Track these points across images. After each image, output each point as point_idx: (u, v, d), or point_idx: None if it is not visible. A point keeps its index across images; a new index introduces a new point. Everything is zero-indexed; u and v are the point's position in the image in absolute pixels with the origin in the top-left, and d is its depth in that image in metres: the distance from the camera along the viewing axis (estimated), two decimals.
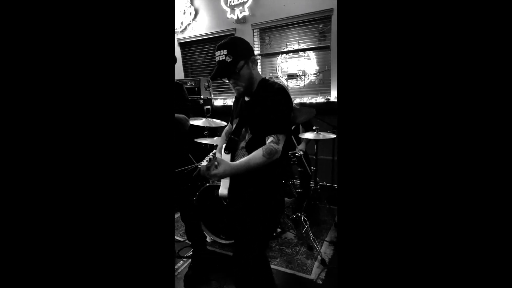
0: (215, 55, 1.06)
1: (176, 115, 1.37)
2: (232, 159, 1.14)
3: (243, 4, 3.46)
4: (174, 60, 1.01)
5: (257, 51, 3.68)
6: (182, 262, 1.89)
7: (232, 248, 1.90)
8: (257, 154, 1.00)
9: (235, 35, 3.72)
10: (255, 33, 3.62)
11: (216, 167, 0.95)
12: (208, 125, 2.72)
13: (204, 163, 0.91)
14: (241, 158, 1.12)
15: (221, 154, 1.23)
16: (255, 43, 3.65)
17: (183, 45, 4.29)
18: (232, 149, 1.14)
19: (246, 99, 1.16)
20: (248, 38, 3.63)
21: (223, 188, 1.10)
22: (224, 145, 1.16)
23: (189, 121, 1.45)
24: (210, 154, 0.96)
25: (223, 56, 1.03)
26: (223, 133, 1.36)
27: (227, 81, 1.10)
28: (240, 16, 3.52)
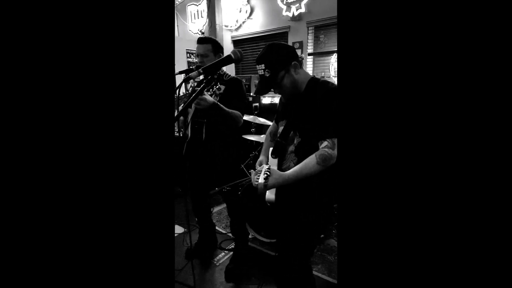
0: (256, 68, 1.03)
1: (231, 111, 1.38)
2: (280, 164, 1.10)
3: (300, 1, 3.40)
4: (239, 58, 0.99)
5: (310, 49, 3.59)
6: (223, 254, 1.94)
7: (276, 249, 1.89)
8: (310, 163, 0.94)
9: (289, 33, 3.68)
10: (309, 31, 3.53)
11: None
12: (254, 122, 2.74)
13: (261, 180, 0.87)
14: (289, 163, 1.07)
15: (266, 156, 1.19)
16: (309, 41, 3.56)
17: (236, 42, 4.40)
18: (279, 153, 1.09)
19: (293, 100, 1.10)
20: (302, 36, 3.56)
21: (270, 193, 1.06)
22: (271, 149, 1.11)
23: (242, 118, 1.45)
24: (265, 167, 0.91)
25: (262, 70, 0.99)
26: (267, 133, 1.32)
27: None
28: (296, 13, 3.47)
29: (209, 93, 1.30)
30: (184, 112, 0.93)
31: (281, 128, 1.13)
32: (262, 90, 1.04)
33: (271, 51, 1.00)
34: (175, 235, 2.14)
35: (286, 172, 0.96)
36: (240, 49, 0.94)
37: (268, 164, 0.96)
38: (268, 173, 0.89)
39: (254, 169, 1.17)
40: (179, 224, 2.33)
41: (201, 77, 1.53)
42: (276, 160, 1.09)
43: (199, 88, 0.88)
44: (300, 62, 1.03)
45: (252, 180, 0.97)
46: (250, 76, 3.32)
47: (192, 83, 1.57)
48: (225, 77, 1.49)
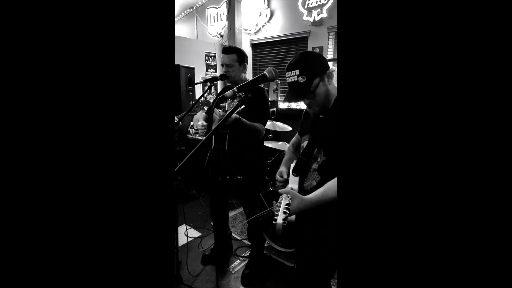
0: (285, 75, 0.98)
1: (253, 124, 1.38)
2: (301, 182, 1.06)
3: (321, 6, 3.35)
4: (274, 77, 0.95)
5: (330, 55, 3.53)
6: (238, 261, 1.93)
7: (294, 261, 1.86)
8: (334, 187, 0.89)
9: (309, 38, 3.64)
10: (330, 36, 3.48)
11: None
12: (272, 129, 2.72)
13: (280, 220, 0.82)
14: (311, 181, 1.04)
15: (287, 168, 1.16)
16: (329, 46, 3.51)
17: (254, 46, 4.40)
18: (301, 171, 1.05)
19: (320, 115, 1.06)
20: (322, 41, 3.52)
21: None
22: (293, 166, 1.07)
23: (264, 129, 1.45)
24: (284, 203, 0.86)
25: (295, 77, 0.93)
26: (290, 144, 1.29)
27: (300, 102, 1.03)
28: (317, 18, 3.42)
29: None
30: (216, 131, 0.92)
31: (304, 143, 1.09)
32: (294, 97, 0.98)
33: (307, 57, 0.97)
34: (190, 239, 2.15)
35: (308, 196, 0.92)
36: (275, 68, 0.92)
37: (288, 197, 0.89)
38: (287, 211, 0.85)
39: (274, 181, 1.14)
40: (195, 228, 2.34)
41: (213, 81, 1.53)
42: (297, 178, 1.05)
43: (233, 107, 0.87)
44: (331, 75, 0.99)
45: (274, 210, 0.93)
46: (269, 82, 3.30)
47: (209, 84, 1.59)
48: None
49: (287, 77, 0.97)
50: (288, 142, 2.52)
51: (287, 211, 0.85)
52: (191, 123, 3.04)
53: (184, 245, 2.04)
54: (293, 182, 1.06)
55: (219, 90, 1.75)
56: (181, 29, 5.42)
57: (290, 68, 0.96)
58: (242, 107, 0.93)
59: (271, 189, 2.00)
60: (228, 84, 1.60)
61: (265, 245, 2.01)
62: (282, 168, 1.19)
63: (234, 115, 1.26)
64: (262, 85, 1.50)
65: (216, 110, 1.32)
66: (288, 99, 0.99)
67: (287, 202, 0.87)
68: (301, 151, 1.09)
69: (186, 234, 2.15)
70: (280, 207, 0.86)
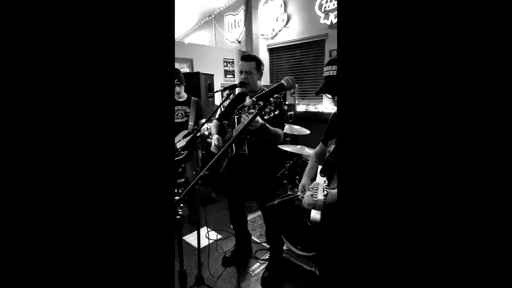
0: (323, 70, 1.02)
1: (275, 130, 1.43)
2: (329, 183, 1.08)
3: None
4: (291, 85, 1.00)
5: None
6: (258, 264, 1.96)
7: (317, 265, 1.86)
8: None
9: (326, 41, 3.62)
10: None
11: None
12: (290, 132, 2.74)
13: (321, 196, 0.88)
14: (337, 184, 1.06)
15: (309, 177, 1.19)
16: None
17: (271, 50, 4.44)
18: (329, 172, 1.07)
19: None
20: None
21: (316, 213, 1.05)
22: (320, 168, 1.09)
23: (282, 135, 1.49)
24: (324, 184, 0.92)
25: (335, 71, 0.98)
26: (313, 154, 1.30)
27: (329, 96, 1.05)
28: (334, 21, 3.41)
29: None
30: (238, 137, 0.97)
31: (332, 147, 1.11)
32: (327, 91, 1.02)
33: None
34: (211, 241, 2.21)
35: (334, 190, 0.96)
36: (292, 77, 0.96)
37: (325, 181, 0.95)
38: (328, 191, 0.90)
39: (292, 184, 1.17)
40: (215, 230, 2.40)
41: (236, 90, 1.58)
42: (324, 179, 1.07)
43: (253, 115, 0.92)
44: None
45: (306, 198, 0.98)
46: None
47: (228, 91, 1.65)
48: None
49: (325, 71, 1.01)
50: (306, 146, 2.52)
51: (327, 189, 0.90)
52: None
53: (205, 247, 2.10)
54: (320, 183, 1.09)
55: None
56: (200, 37, 5.59)
57: (331, 63, 1.00)
58: (277, 112, 0.98)
59: (289, 192, 2.01)
60: (243, 90, 1.65)
61: (285, 248, 2.02)
62: (305, 180, 1.21)
63: (261, 121, 1.31)
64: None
65: (244, 116, 1.35)
66: (321, 91, 1.03)
67: (325, 185, 0.93)
68: (327, 154, 1.11)
69: (207, 236, 2.21)
70: (318, 188, 0.93)
